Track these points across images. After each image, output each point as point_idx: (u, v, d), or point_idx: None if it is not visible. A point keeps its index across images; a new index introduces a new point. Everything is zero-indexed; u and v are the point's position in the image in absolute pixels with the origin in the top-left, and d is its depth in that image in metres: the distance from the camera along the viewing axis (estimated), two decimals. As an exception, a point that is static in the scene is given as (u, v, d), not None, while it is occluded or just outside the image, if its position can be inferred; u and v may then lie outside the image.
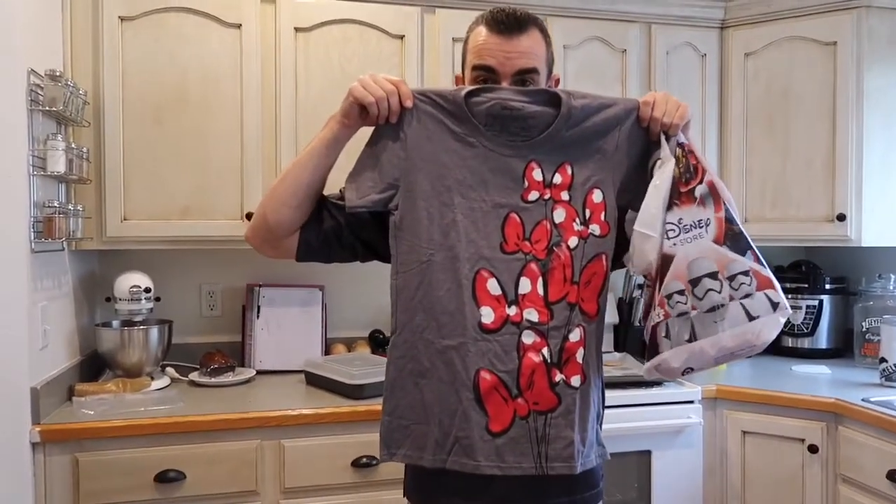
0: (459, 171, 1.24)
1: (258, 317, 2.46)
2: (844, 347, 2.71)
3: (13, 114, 1.73)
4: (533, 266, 1.23)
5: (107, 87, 2.10)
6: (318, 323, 2.50)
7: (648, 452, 2.19)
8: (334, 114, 1.29)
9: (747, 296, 1.19)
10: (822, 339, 2.72)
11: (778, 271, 2.88)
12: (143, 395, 2.07)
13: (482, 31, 1.30)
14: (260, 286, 2.49)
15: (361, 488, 1.96)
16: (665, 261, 1.22)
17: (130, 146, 2.13)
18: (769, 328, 1.20)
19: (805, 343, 2.73)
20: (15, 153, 1.74)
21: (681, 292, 1.21)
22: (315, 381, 2.22)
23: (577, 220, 1.25)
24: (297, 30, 2.24)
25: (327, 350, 2.51)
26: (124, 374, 2.16)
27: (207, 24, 2.17)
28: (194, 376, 2.26)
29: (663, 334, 1.22)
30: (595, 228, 1.26)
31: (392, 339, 1.30)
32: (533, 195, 1.25)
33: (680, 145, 1.26)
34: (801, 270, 2.81)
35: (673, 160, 1.23)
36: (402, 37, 2.31)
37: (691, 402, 2.22)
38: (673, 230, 1.22)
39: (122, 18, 2.11)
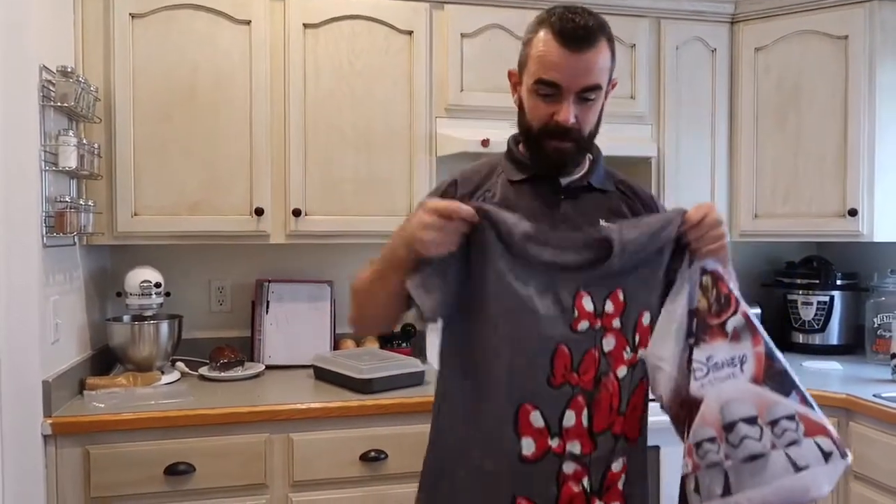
0: (507, 298, 1.18)
1: (267, 312, 2.47)
2: (856, 343, 2.68)
3: (25, 109, 1.74)
4: (580, 398, 1.18)
5: (118, 84, 2.12)
6: (327, 318, 2.51)
7: (657, 448, 2.17)
8: (402, 233, 1.18)
9: (793, 443, 1.05)
10: (833, 335, 2.70)
11: (789, 267, 2.86)
12: (153, 388, 2.08)
13: (550, 40, 1.21)
14: (269, 281, 2.50)
15: (369, 482, 1.97)
16: (692, 404, 1.10)
17: (141, 142, 2.14)
18: (819, 481, 1.04)
19: (816, 339, 2.71)
20: (27, 148, 1.75)
21: (712, 440, 1.07)
22: (324, 375, 2.23)
23: (627, 348, 1.21)
24: (305, 26, 2.25)
25: (336, 345, 2.52)
26: (135, 369, 2.18)
27: (217, 21, 2.18)
28: (204, 371, 2.28)
29: (692, 488, 1.09)
30: (643, 353, 1.21)
31: (440, 410, 1.29)
32: (583, 325, 1.18)
33: (710, 273, 1.14)
34: (813, 266, 2.79)
35: (687, 286, 1.14)
36: (410, 32, 2.32)
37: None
38: (701, 369, 1.10)
39: (132, 16, 2.12)
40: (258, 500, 1.91)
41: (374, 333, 1.26)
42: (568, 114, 1.23)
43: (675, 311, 1.13)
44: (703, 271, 1.14)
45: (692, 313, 1.14)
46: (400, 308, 1.25)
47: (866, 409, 2.00)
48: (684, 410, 1.12)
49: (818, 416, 1.07)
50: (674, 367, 1.12)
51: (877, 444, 1.96)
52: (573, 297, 1.19)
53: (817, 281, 2.72)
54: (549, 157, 1.28)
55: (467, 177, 1.37)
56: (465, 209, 1.13)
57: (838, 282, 2.71)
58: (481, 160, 1.43)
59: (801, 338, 2.74)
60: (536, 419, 1.17)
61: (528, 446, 1.17)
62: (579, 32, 1.20)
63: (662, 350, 1.14)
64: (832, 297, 2.69)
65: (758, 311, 2.72)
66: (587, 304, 1.19)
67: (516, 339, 1.17)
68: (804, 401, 1.08)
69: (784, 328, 2.79)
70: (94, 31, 2.11)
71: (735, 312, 1.11)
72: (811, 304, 2.71)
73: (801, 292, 2.74)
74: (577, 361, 1.18)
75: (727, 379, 1.09)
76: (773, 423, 1.06)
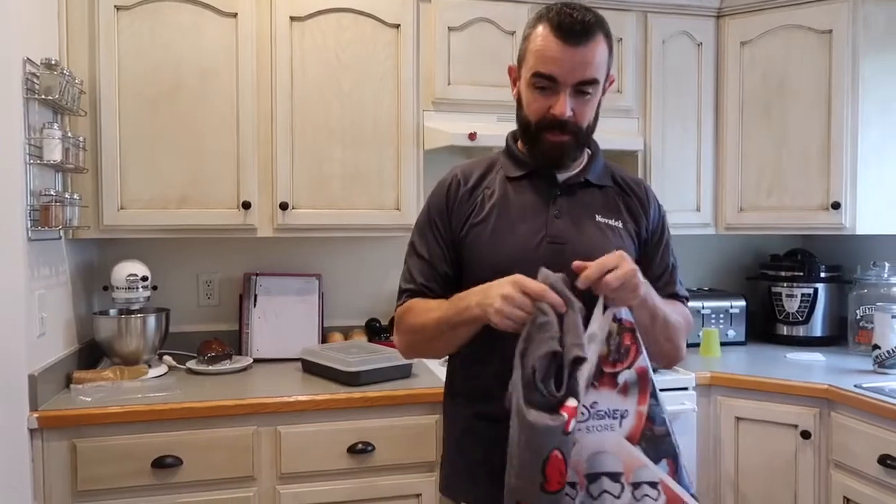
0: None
1: (255, 305, 2.48)
2: (839, 335, 2.72)
3: (9, 103, 1.73)
4: None
5: (103, 77, 2.10)
6: (315, 311, 2.51)
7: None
8: (482, 292, 1.17)
9: None
10: (816, 327, 2.73)
11: (774, 260, 2.90)
12: (140, 382, 2.08)
13: (548, 34, 1.24)
14: (257, 275, 2.50)
15: (357, 474, 1.98)
16: None
17: (127, 135, 2.13)
18: None
19: (800, 331, 2.74)
20: (11, 142, 1.74)
21: (573, 484, 1.06)
22: (312, 368, 2.23)
23: None
24: (292, 19, 2.24)
25: (324, 338, 2.52)
26: (122, 362, 2.18)
27: (203, 14, 2.18)
28: (192, 364, 2.28)
29: None
30: None
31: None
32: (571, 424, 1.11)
33: (620, 321, 1.12)
34: (797, 259, 2.82)
35: (599, 334, 1.10)
36: (397, 26, 2.32)
37: (685, 388, 2.24)
38: (583, 413, 1.07)
39: (117, 8, 2.11)
40: (246, 492, 1.92)
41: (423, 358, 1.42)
42: (564, 106, 1.24)
43: (591, 359, 1.09)
44: (615, 318, 1.12)
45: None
46: (457, 349, 1.31)
47: (847, 399, 2.02)
48: None
49: (680, 490, 1.06)
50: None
51: (856, 433, 1.99)
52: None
53: (801, 273, 2.75)
54: (547, 150, 1.29)
55: (467, 173, 1.39)
56: (554, 298, 1.09)
57: (822, 274, 2.74)
58: (480, 156, 1.45)
59: (785, 329, 2.77)
60: None
61: None
62: (576, 27, 1.22)
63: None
64: (816, 290, 2.72)
65: (743, 303, 2.76)
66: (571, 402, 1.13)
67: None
68: (674, 471, 1.07)
69: (768, 320, 2.82)
70: (79, 23, 2.09)
71: (630, 366, 1.10)
72: (795, 296, 2.74)
73: (785, 285, 2.77)
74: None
75: (604, 430, 1.08)
76: (636, 486, 1.06)
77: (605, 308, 1.13)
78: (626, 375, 1.09)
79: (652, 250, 1.39)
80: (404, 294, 1.37)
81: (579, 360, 1.05)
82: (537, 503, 1.04)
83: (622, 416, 1.08)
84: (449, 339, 1.27)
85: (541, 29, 1.26)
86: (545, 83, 1.25)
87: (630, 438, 1.07)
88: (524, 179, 1.35)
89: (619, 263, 1.12)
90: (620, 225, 1.35)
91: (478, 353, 1.29)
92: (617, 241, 1.32)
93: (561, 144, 1.28)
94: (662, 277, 1.40)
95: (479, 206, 1.34)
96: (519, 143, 1.39)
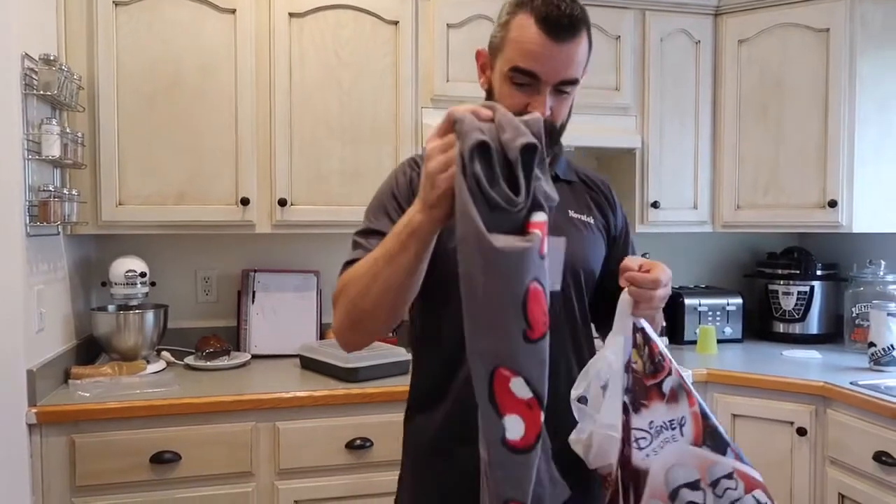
0: None
1: (253, 302, 2.48)
2: (835, 332, 2.73)
3: (7, 98, 1.73)
4: None
5: (101, 72, 2.10)
6: (313, 308, 2.52)
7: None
8: (412, 212, 0.97)
9: (735, 501, 1.02)
10: (813, 325, 2.74)
11: (770, 257, 2.90)
12: (138, 378, 2.09)
13: (532, 26, 1.13)
14: (255, 271, 2.50)
15: (355, 470, 1.99)
16: (638, 475, 1.04)
17: (125, 131, 2.13)
18: None
19: (796, 328, 2.75)
20: (9, 137, 1.74)
21: None
22: (310, 364, 2.24)
23: None
24: (291, 15, 2.24)
25: (322, 334, 2.53)
26: (120, 358, 2.18)
27: (202, 10, 2.17)
28: (190, 360, 2.28)
29: None
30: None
31: None
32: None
33: (641, 330, 1.07)
34: (794, 257, 2.83)
35: (622, 339, 1.06)
36: (396, 22, 2.32)
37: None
38: (645, 438, 1.03)
39: (116, 3, 2.11)
40: (244, 488, 1.92)
41: (372, 338, 1.12)
42: (544, 107, 1.16)
43: (618, 370, 1.05)
44: (636, 328, 1.07)
45: (627, 368, 1.07)
46: (413, 291, 1.05)
47: (843, 397, 2.04)
48: (629, 479, 1.06)
49: (751, 470, 1.05)
50: (619, 432, 1.05)
51: (852, 430, 2.00)
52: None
53: (798, 271, 2.76)
54: None
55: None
56: (474, 110, 0.93)
57: (818, 272, 2.75)
58: None
59: (781, 327, 2.78)
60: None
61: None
62: (564, 21, 1.12)
63: (613, 417, 1.05)
64: (812, 288, 2.73)
65: (739, 301, 2.77)
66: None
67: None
68: (738, 456, 1.05)
69: (765, 318, 2.84)
70: (78, 19, 2.09)
71: (670, 373, 1.06)
72: (791, 294, 2.75)
73: (782, 282, 2.78)
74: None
75: (667, 443, 1.04)
76: (714, 484, 1.04)
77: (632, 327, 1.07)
78: (670, 383, 1.05)
79: (621, 247, 1.37)
80: (346, 265, 1.16)
81: (530, 148, 0.86)
82: (523, 360, 0.85)
83: (681, 424, 1.04)
84: (388, 280, 1.01)
85: (523, 18, 1.14)
86: (525, 79, 1.15)
87: (695, 442, 1.04)
88: None
89: (668, 282, 1.10)
90: (592, 221, 1.31)
91: (448, 355, 1.18)
92: (591, 237, 1.29)
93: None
94: None
95: None
96: None
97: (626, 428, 1.05)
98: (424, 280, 1.05)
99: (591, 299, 1.29)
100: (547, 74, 1.14)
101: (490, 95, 1.23)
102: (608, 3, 2.49)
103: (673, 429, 1.04)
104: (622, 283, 1.10)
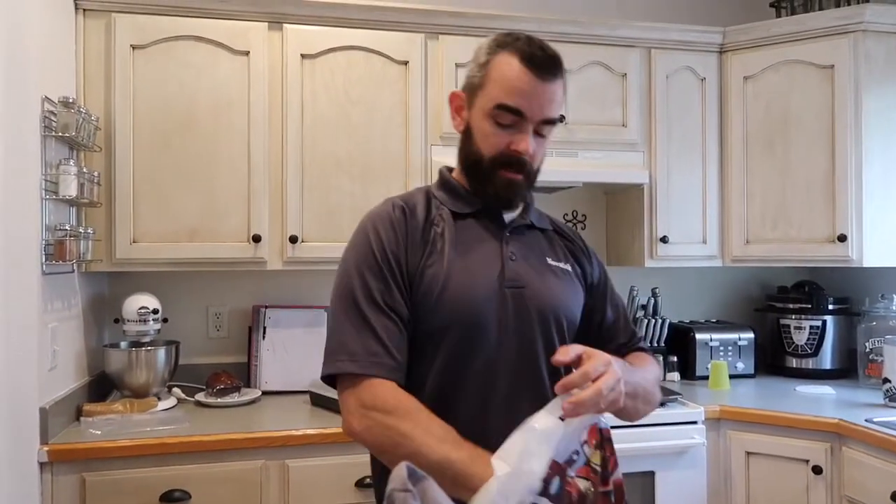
0: None
1: (264, 338, 2.49)
2: (849, 367, 2.70)
3: (27, 140, 1.77)
4: None
5: (118, 113, 2.15)
6: (324, 344, 2.51)
7: (652, 473, 2.18)
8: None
9: None
10: (826, 360, 2.72)
11: (781, 291, 2.90)
12: (149, 415, 2.09)
13: (516, 65, 1.15)
14: (266, 307, 2.52)
15: (365, 509, 1.97)
16: None
17: (140, 170, 2.17)
18: None
19: (809, 363, 2.73)
20: (28, 178, 1.78)
21: None
22: (320, 401, 2.23)
23: None
24: (303, 56, 2.29)
25: (332, 371, 2.52)
26: (132, 395, 2.19)
27: (216, 52, 2.23)
28: (200, 397, 2.28)
29: None
30: None
31: None
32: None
33: (600, 430, 1.03)
34: (805, 291, 2.82)
35: (561, 431, 0.98)
36: (406, 62, 2.37)
37: (695, 422, 2.22)
38: None
39: (133, 47, 2.16)
40: (253, 527, 1.91)
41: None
42: (528, 144, 1.16)
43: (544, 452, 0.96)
44: (599, 429, 1.03)
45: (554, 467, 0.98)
46: None
47: (858, 434, 2.01)
48: None
49: None
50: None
51: (868, 468, 1.97)
52: None
53: (809, 306, 2.75)
54: (501, 187, 1.20)
55: (410, 205, 1.23)
56: None
57: (830, 306, 2.74)
58: (408, 191, 1.33)
59: (794, 362, 2.76)
60: None
61: None
62: (548, 61, 1.16)
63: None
64: (824, 322, 2.72)
65: (751, 335, 2.75)
66: None
67: None
68: None
69: (777, 352, 2.81)
70: (96, 61, 2.15)
71: (610, 480, 1.01)
72: (803, 328, 2.73)
73: (793, 317, 2.77)
74: None
75: None
76: None
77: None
78: (611, 491, 1.01)
79: (601, 295, 1.35)
80: (372, 360, 1.10)
81: None
82: None
83: None
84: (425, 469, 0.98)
85: (506, 57, 1.16)
86: (508, 118, 1.16)
87: None
88: (471, 218, 1.24)
89: (607, 369, 1.01)
90: (570, 268, 1.29)
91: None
92: (570, 285, 1.27)
93: (515, 183, 1.19)
94: (618, 321, 1.37)
95: (431, 244, 1.19)
96: (456, 176, 1.28)
97: None
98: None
99: None
100: (532, 112, 1.16)
101: (467, 136, 1.23)
102: (615, 42, 2.53)
103: None
104: (557, 389, 1.01)
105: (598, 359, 1.03)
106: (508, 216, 1.27)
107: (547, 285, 1.23)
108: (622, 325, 1.38)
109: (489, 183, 1.20)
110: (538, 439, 0.96)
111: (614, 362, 1.05)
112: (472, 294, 1.16)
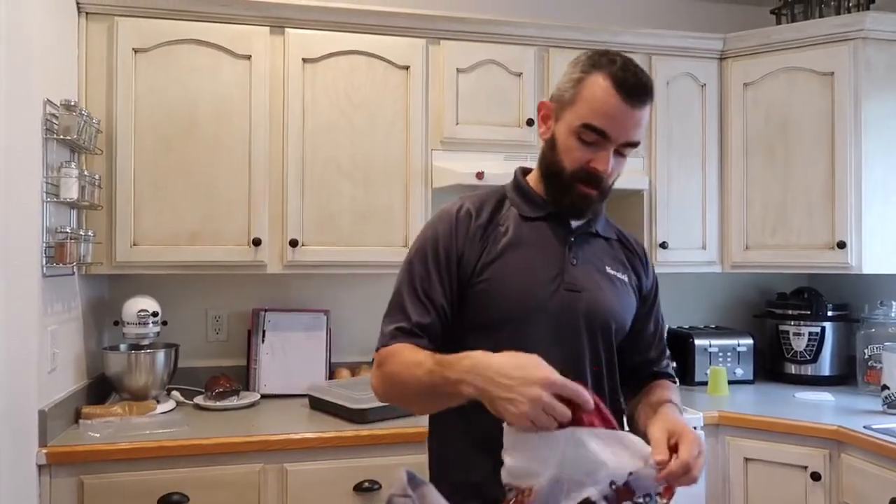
0: None
1: (263, 341, 2.49)
2: (848, 374, 2.70)
3: (29, 143, 1.78)
4: None
5: (119, 116, 2.16)
6: (323, 347, 2.52)
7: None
8: (484, 391, 1.03)
9: None
10: (825, 366, 2.72)
11: (780, 298, 2.90)
12: (148, 418, 2.09)
13: (609, 88, 1.19)
14: (265, 311, 2.52)
15: (363, 513, 1.97)
16: None
17: (141, 173, 2.18)
18: None
19: (808, 370, 2.73)
20: (30, 181, 1.79)
21: None
22: (319, 405, 2.23)
23: None
24: (304, 60, 2.30)
25: (331, 374, 2.53)
26: (131, 397, 2.19)
27: (218, 56, 2.23)
28: (199, 400, 2.28)
29: None
30: None
31: None
32: None
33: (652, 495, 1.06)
34: (804, 297, 2.82)
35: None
36: (407, 67, 2.37)
37: (694, 428, 2.21)
38: None
39: (135, 50, 2.17)
40: (252, 530, 1.91)
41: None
42: (607, 164, 1.22)
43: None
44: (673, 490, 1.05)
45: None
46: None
47: (857, 441, 2.01)
48: None
49: None
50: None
51: (867, 475, 1.97)
52: None
53: (808, 312, 2.75)
54: (577, 200, 1.26)
55: (478, 206, 1.32)
56: (583, 397, 1.00)
57: (829, 313, 2.74)
58: (484, 190, 1.39)
59: (793, 368, 2.76)
60: None
61: None
62: (639, 89, 1.20)
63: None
64: (823, 328, 2.72)
65: (750, 341, 2.75)
66: None
67: None
68: None
69: (776, 359, 2.81)
70: (98, 65, 2.16)
71: None
72: (803, 334, 2.73)
73: (792, 323, 2.77)
74: None
75: None
76: None
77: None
78: None
79: (649, 309, 1.41)
80: (395, 331, 1.24)
81: None
82: None
83: None
84: (428, 404, 1.22)
85: (599, 79, 1.20)
86: (593, 137, 1.21)
87: None
88: (539, 221, 1.31)
89: (700, 450, 1.07)
90: (626, 279, 1.35)
91: (475, 443, 1.20)
92: (625, 295, 1.33)
93: (589, 198, 1.26)
94: (655, 336, 1.42)
95: (491, 244, 1.27)
96: (531, 181, 1.35)
97: None
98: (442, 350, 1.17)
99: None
100: (616, 135, 1.20)
101: (551, 146, 1.28)
102: (616, 48, 2.53)
103: None
104: (659, 479, 1.04)
105: (693, 444, 1.08)
106: (575, 223, 1.32)
107: (603, 292, 1.29)
108: (657, 342, 1.43)
109: (566, 194, 1.27)
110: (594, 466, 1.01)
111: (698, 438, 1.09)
112: (526, 293, 1.24)
